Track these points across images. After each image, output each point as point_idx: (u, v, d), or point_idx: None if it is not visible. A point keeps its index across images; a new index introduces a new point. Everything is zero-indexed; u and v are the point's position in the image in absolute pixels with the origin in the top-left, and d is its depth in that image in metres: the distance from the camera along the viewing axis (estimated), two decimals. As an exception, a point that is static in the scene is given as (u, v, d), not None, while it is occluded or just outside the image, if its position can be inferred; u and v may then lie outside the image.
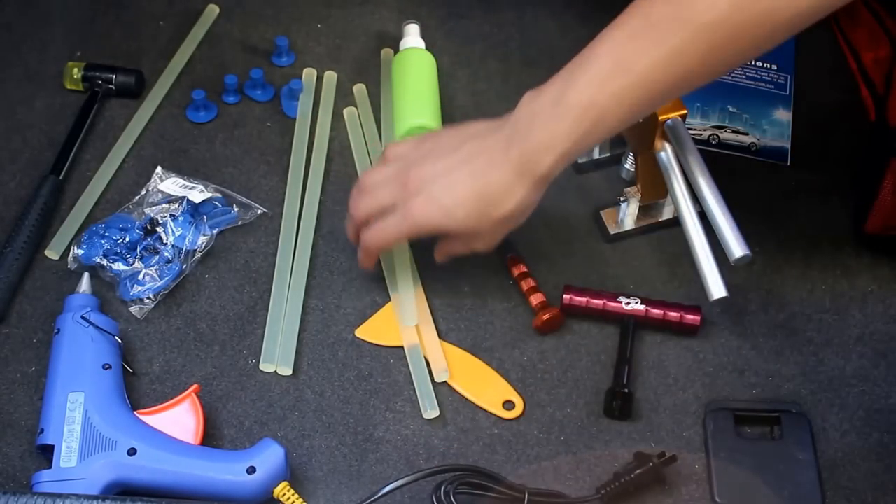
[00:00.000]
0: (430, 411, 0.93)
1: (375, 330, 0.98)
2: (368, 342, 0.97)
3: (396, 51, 1.15)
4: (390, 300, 1.00)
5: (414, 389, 0.95)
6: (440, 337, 0.97)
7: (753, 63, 1.16)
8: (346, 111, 1.13)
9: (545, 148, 0.87)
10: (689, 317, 0.97)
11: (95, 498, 0.82)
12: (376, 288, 1.01)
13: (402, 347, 0.97)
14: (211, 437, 0.91)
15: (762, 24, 0.82)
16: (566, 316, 0.99)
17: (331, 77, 1.15)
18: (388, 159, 0.96)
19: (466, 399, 0.94)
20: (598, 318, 0.98)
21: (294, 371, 0.96)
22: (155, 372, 0.95)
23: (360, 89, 1.14)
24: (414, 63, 1.12)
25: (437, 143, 0.94)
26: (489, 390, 0.95)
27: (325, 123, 1.11)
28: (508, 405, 0.94)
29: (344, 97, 1.14)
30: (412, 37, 1.15)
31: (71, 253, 1.01)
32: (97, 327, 0.93)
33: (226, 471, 0.86)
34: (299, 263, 1.01)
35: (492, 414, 0.94)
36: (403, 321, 0.97)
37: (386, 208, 0.94)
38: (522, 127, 0.88)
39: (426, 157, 0.93)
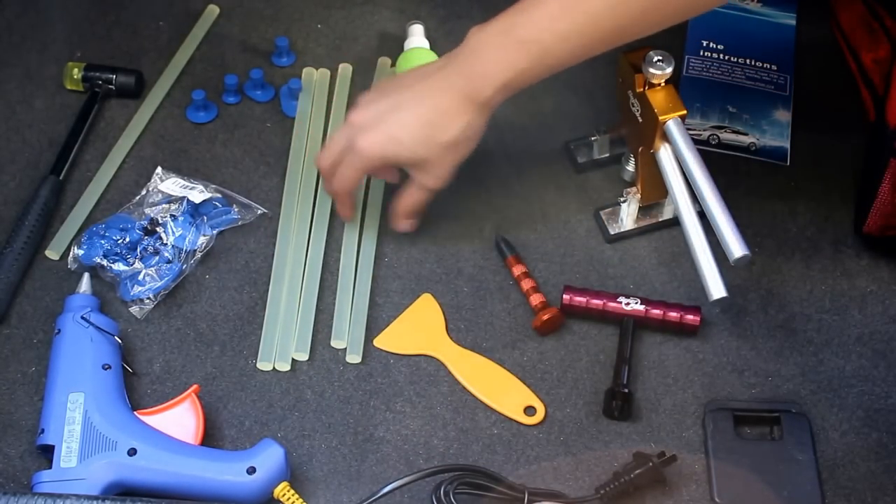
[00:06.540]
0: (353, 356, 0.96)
1: (393, 339, 0.98)
2: (386, 351, 0.97)
3: (398, 52, 1.14)
4: (401, 307, 1.00)
5: (414, 390, 0.95)
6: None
7: (753, 63, 1.16)
8: (340, 67, 1.15)
9: (489, 75, 0.92)
10: (689, 317, 0.97)
11: (95, 498, 0.82)
12: (376, 288, 1.01)
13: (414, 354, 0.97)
14: (211, 437, 0.91)
15: None
16: (566, 316, 0.99)
17: (324, 74, 1.14)
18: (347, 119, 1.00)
19: (477, 402, 0.94)
20: (598, 318, 0.98)
21: (294, 370, 0.96)
22: (155, 372, 0.95)
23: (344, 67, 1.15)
24: (419, 62, 1.12)
25: (387, 85, 0.99)
26: (509, 396, 0.94)
27: (319, 120, 1.11)
28: (530, 411, 0.94)
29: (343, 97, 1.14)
30: (417, 37, 1.14)
31: (71, 253, 1.01)
32: (97, 327, 0.93)
33: (226, 471, 0.86)
34: (295, 262, 1.01)
35: (515, 421, 0.93)
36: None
37: (343, 152, 0.97)
38: (468, 57, 0.94)
39: (374, 98, 0.97)
